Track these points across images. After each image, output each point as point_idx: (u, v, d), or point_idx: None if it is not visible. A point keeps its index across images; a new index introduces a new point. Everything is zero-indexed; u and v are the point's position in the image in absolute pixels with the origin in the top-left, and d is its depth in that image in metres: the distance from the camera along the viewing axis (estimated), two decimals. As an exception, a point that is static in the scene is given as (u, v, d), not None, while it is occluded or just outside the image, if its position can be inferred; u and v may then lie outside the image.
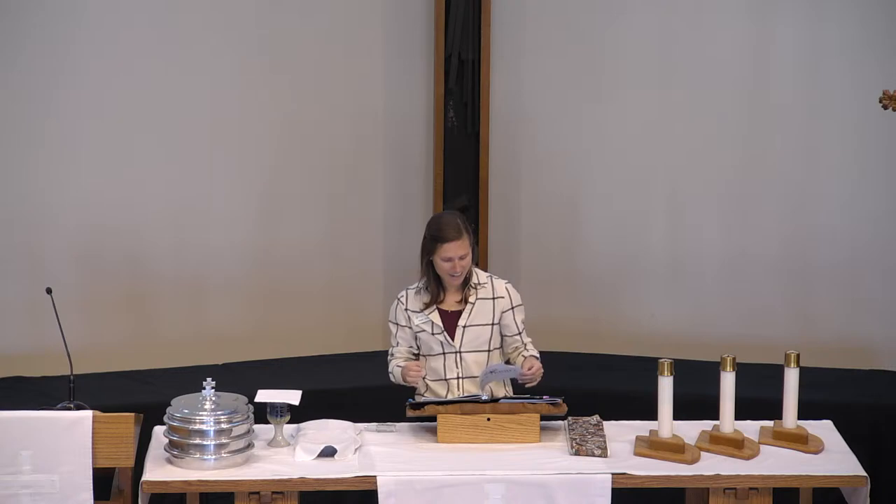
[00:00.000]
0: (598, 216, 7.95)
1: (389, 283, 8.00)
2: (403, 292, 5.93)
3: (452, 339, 5.85)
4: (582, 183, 7.94)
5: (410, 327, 5.89)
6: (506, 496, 5.31)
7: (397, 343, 5.92)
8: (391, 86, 7.89)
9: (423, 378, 5.87)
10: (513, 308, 5.89)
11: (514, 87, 7.86)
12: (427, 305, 5.86)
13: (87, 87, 7.50)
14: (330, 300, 7.97)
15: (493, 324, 5.87)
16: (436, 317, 5.85)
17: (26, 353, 7.48)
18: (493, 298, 5.86)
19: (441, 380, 5.90)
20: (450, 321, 5.86)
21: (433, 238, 5.77)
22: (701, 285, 7.91)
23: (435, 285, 5.84)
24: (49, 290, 6.06)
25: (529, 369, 5.75)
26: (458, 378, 5.88)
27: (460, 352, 5.86)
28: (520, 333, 5.89)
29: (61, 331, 6.02)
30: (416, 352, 5.92)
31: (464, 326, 5.84)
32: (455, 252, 5.75)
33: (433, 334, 5.85)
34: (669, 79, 7.78)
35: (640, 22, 7.75)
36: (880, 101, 5.96)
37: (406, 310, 5.89)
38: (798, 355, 5.61)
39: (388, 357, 5.96)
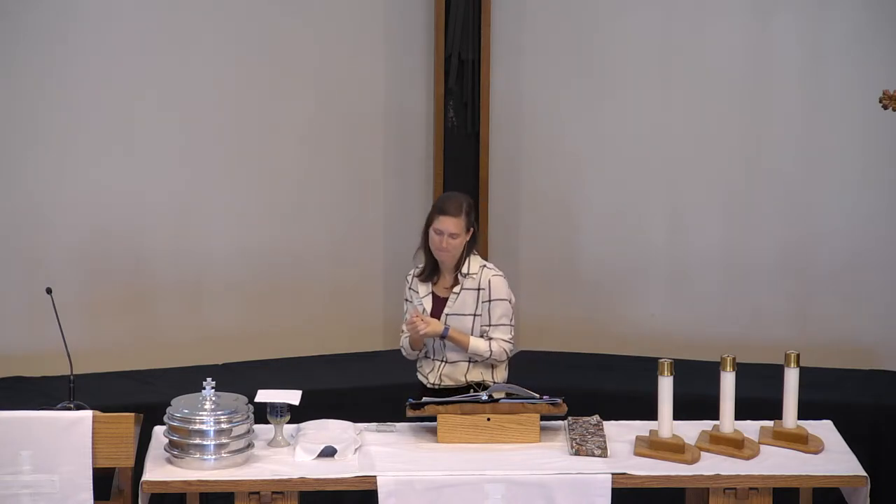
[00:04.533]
0: (598, 216, 7.95)
1: (389, 284, 8.00)
2: (411, 270, 6.07)
3: None
4: (582, 183, 7.94)
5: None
6: (506, 496, 5.31)
7: (406, 319, 6.04)
8: (391, 86, 7.89)
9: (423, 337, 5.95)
10: (490, 301, 5.93)
11: (514, 87, 7.86)
12: (422, 281, 5.96)
13: (87, 87, 7.50)
14: (330, 300, 7.97)
15: (475, 314, 5.93)
16: (428, 301, 5.97)
17: (26, 353, 7.48)
18: (478, 289, 5.94)
19: (430, 359, 6.02)
20: (438, 307, 5.96)
21: (434, 207, 5.94)
22: (701, 285, 7.91)
23: (430, 260, 5.96)
24: (49, 290, 6.06)
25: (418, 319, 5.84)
26: (442, 361, 5.98)
27: (442, 337, 5.93)
28: (490, 325, 5.94)
29: (61, 331, 6.01)
30: None
31: (447, 315, 5.93)
32: (446, 227, 5.85)
33: None
34: (670, 78, 7.78)
35: (640, 22, 7.75)
36: (880, 102, 5.96)
37: (410, 288, 6.03)
38: (798, 355, 5.61)
39: (401, 333, 6.07)
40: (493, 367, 5.99)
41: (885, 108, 5.95)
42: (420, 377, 6.06)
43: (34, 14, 7.38)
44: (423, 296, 5.97)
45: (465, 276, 5.94)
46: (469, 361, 5.96)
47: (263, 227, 7.85)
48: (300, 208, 7.89)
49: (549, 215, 7.97)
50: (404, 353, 6.08)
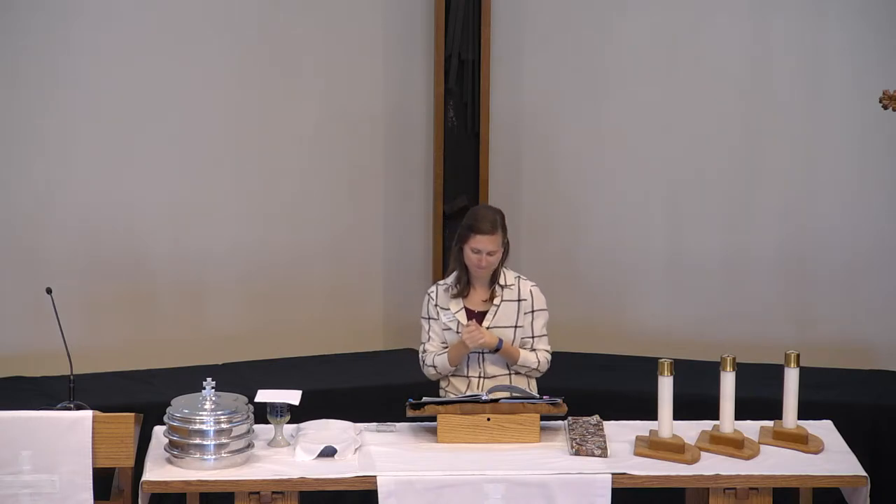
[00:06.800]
0: (598, 216, 7.95)
1: (389, 284, 8.00)
2: (434, 287, 5.96)
3: None
4: (582, 183, 7.94)
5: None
6: (506, 496, 5.31)
7: (429, 338, 5.94)
8: (391, 86, 7.89)
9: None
10: (533, 311, 5.89)
11: (514, 87, 7.86)
12: (455, 297, 5.87)
13: (86, 87, 7.50)
14: (330, 300, 7.97)
15: (516, 326, 5.88)
16: (462, 316, 5.87)
17: (26, 353, 7.48)
18: (518, 301, 5.88)
19: (462, 376, 5.92)
20: (475, 321, 5.86)
21: (468, 227, 5.82)
22: (701, 285, 7.91)
23: (465, 276, 5.87)
24: (49, 290, 6.06)
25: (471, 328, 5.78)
26: (479, 377, 5.90)
27: (482, 352, 5.87)
28: (533, 337, 5.90)
29: (61, 331, 6.01)
30: (447, 346, 5.93)
31: (487, 328, 5.85)
32: (484, 245, 5.78)
33: (458, 333, 5.86)
34: (669, 78, 7.78)
35: (639, 22, 7.76)
36: (880, 101, 5.96)
37: (436, 305, 5.91)
38: (798, 355, 5.61)
39: (421, 353, 5.96)
40: (527, 378, 5.95)
41: (885, 108, 5.95)
42: (451, 396, 5.89)
43: (35, 14, 7.38)
44: (455, 311, 5.87)
45: (503, 287, 5.89)
46: (510, 374, 5.93)
47: (263, 227, 7.85)
48: (300, 208, 7.89)
49: (549, 215, 7.97)
50: (433, 373, 5.92)
